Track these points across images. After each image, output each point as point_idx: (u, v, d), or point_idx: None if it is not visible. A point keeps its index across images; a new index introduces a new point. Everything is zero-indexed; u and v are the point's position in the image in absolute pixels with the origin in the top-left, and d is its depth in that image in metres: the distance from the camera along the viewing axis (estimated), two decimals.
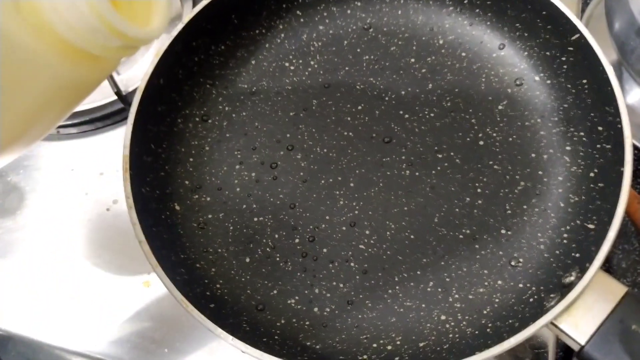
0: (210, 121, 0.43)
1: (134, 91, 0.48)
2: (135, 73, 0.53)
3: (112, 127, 0.50)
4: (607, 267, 0.54)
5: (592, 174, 0.36)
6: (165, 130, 0.41)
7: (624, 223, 0.54)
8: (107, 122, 0.49)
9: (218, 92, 0.44)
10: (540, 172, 0.39)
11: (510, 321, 0.33)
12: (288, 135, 0.42)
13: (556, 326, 0.30)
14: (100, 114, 0.49)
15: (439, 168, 0.40)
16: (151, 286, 0.43)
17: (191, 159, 0.42)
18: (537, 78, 0.42)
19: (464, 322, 0.35)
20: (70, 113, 0.26)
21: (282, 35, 0.46)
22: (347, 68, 0.45)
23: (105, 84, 0.50)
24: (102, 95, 0.51)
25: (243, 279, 0.38)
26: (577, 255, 0.33)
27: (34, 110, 0.23)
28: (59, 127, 0.49)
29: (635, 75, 0.52)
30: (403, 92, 0.43)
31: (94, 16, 0.20)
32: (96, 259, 0.44)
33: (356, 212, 0.39)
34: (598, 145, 0.36)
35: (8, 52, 0.19)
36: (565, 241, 0.35)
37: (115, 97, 0.49)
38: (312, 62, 0.45)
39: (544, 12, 0.39)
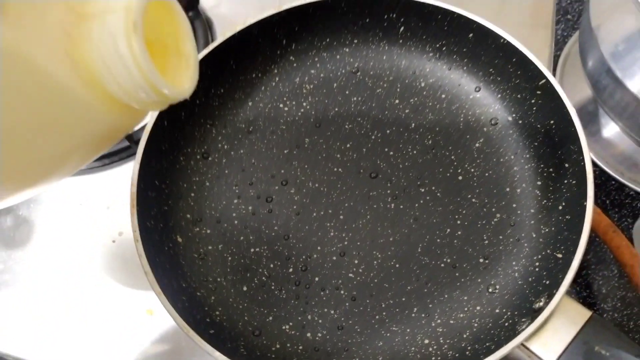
0: (210, 158, 0.47)
1: (139, 130, 0.52)
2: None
3: (117, 163, 0.53)
4: (588, 292, 0.57)
5: (560, 207, 0.40)
6: (168, 167, 0.44)
7: (604, 251, 0.58)
8: (113, 159, 0.53)
9: (217, 132, 0.48)
10: (514, 205, 0.42)
11: (487, 344, 0.36)
12: (282, 171, 0.46)
13: (527, 348, 0.33)
14: (107, 151, 0.52)
15: (421, 201, 0.43)
16: (154, 314, 0.45)
17: (192, 194, 0.45)
18: (510, 118, 0.45)
19: (446, 346, 0.37)
20: (97, 156, 0.29)
21: (277, 78, 0.50)
22: (336, 109, 0.48)
23: None
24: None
25: (240, 306, 0.40)
26: (547, 282, 0.36)
27: (69, 150, 0.26)
28: None
29: (609, 110, 0.57)
30: (388, 131, 0.47)
31: (140, 76, 0.23)
32: (102, 287, 0.47)
33: (345, 242, 0.42)
34: (565, 181, 0.40)
35: (57, 97, 0.22)
36: (537, 269, 0.39)
37: None
38: (304, 103, 0.49)
39: (514, 59, 0.43)
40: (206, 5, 0.62)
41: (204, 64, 0.44)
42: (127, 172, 0.52)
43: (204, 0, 0.61)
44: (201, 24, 0.60)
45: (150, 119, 0.42)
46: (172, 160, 0.45)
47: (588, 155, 0.37)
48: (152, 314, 0.45)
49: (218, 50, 0.45)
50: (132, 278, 0.47)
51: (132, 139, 0.52)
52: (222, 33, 0.46)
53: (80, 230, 0.50)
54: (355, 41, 0.50)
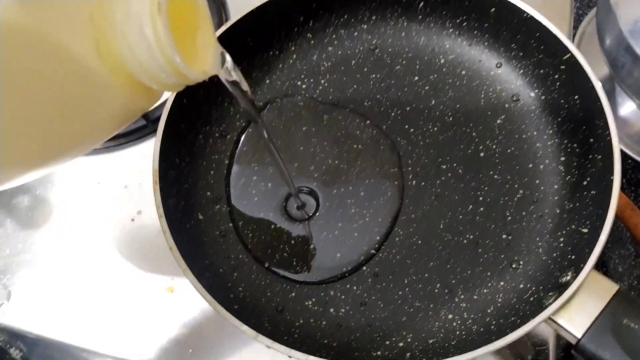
0: (228, 137, 0.47)
1: (156, 109, 0.51)
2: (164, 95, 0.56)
3: (134, 142, 0.53)
4: (605, 271, 0.57)
5: (585, 182, 0.39)
6: (187, 145, 0.44)
7: (620, 229, 0.58)
8: (130, 138, 0.52)
9: (235, 110, 0.47)
10: (537, 181, 0.42)
11: (512, 319, 0.36)
12: (301, 148, 0.46)
13: (554, 321, 0.32)
14: (124, 130, 0.52)
15: (443, 178, 0.43)
16: (175, 292, 0.45)
17: (212, 172, 0.45)
18: (532, 94, 0.45)
19: (470, 320, 0.37)
20: (113, 135, 0.29)
21: (294, 56, 0.49)
22: (355, 86, 0.48)
23: None
24: None
25: (263, 283, 0.40)
26: (573, 257, 0.36)
27: (87, 128, 0.26)
28: None
29: (627, 88, 0.56)
30: (408, 108, 0.46)
31: (163, 58, 0.23)
32: (122, 266, 0.47)
33: (367, 219, 0.42)
34: (590, 156, 0.39)
35: (80, 77, 0.22)
36: (561, 245, 0.38)
37: None
38: (322, 81, 0.49)
39: (537, 34, 0.43)
40: None
41: (220, 41, 0.44)
42: (143, 152, 0.52)
43: None
44: (214, 2, 0.59)
45: (169, 97, 0.42)
46: (191, 138, 0.45)
47: (615, 130, 0.36)
48: (172, 292, 0.46)
49: (235, 27, 0.45)
50: (151, 256, 0.47)
51: (149, 117, 0.52)
52: (239, 10, 0.45)
53: (98, 210, 0.49)
54: (374, 18, 0.49)
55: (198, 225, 0.42)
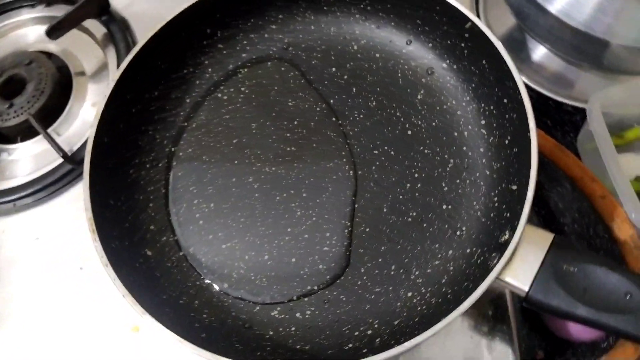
0: (160, 165, 0.46)
1: (79, 150, 0.50)
2: (75, 131, 0.54)
3: (65, 188, 0.51)
4: (546, 210, 0.60)
5: (506, 142, 0.41)
6: (119, 183, 0.43)
7: (554, 169, 0.61)
8: (58, 185, 0.51)
9: (161, 136, 0.47)
10: (464, 148, 0.44)
11: (465, 284, 0.38)
12: (236, 161, 0.46)
13: (502, 280, 0.35)
14: (51, 179, 0.50)
15: (377, 163, 0.44)
16: (140, 330, 0.45)
17: (151, 204, 0.44)
18: (444, 65, 0.46)
19: (428, 294, 0.39)
20: None
21: (209, 69, 0.49)
22: (276, 87, 0.48)
23: (48, 149, 0.52)
24: (48, 161, 0.52)
25: (226, 304, 0.41)
26: (508, 214, 0.38)
27: None
28: (15, 200, 0.50)
29: (535, 36, 0.59)
30: (331, 101, 0.47)
31: None
32: (81, 315, 0.46)
33: (314, 218, 0.43)
34: (507, 116, 0.41)
35: None
36: (496, 204, 0.41)
37: (61, 160, 0.51)
38: (242, 88, 0.49)
39: (437, 7, 0.44)
40: (118, 6, 0.59)
41: (131, 69, 0.43)
42: (75, 197, 0.51)
43: (114, 2, 0.58)
44: (118, 28, 0.57)
45: (89, 137, 0.40)
46: (121, 175, 0.44)
47: (524, 90, 0.38)
48: (138, 331, 0.45)
49: (143, 53, 0.44)
50: (109, 300, 0.46)
51: (74, 159, 0.51)
52: (144, 34, 0.44)
53: (44, 265, 0.48)
54: (281, 17, 0.49)
55: (148, 261, 0.41)
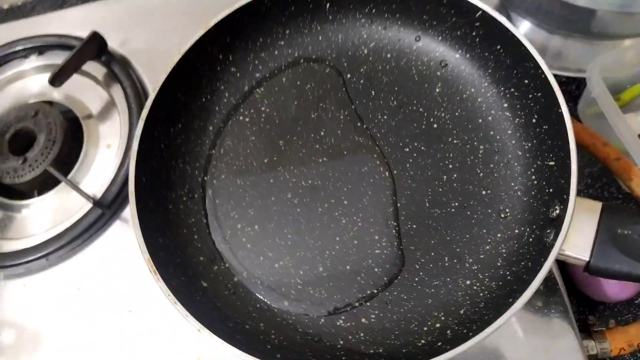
0: (196, 196, 0.46)
1: (106, 193, 0.49)
2: (95, 175, 0.54)
3: (97, 234, 0.50)
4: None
5: (534, 120, 0.43)
6: (162, 220, 0.43)
7: None
8: (91, 232, 0.50)
9: (192, 167, 0.47)
10: (492, 133, 0.45)
11: (522, 263, 0.39)
12: (271, 180, 0.46)
13: (562, 253, 0.36)
14: (81, 227, 0.50)
15: (410, 160, 0.45)
16: None
17: (196, 237, 0.44)
18: (457, 56, 0.48)
19: (487, 279, 0.40)
20: None
21: (226, 94, 0.49)
22: (295, 102, 0.49)
23: (69, 198, 0.51)
24: (72, 210, 0.52)
25: (290, 321, 0.41)
26: (551, 190, 0.40)
27: None
28: (47, 254, 0.49)
29: (520, 11, 0.60)
30: (353, 107, 0.48)
31: None
32: (137, 355, 0.45)
33: (360, 224, 0.43)
34: (530, 95, 0.43)
35: None
36: (535, 182, 0.42)
37: (88, 207, 0.50)
38: (262, 108, 0.49)
39: (444, 1, 0.45)
40: (115, 44, 0.59)
41: (156, 107, 0.43)
42: (108, 241, 0.50)
43: (110, 42, 0.58)
44: (120, 66, 0.57)
45: (129, 182, 0.40)
46: (162, 212, 0.44)
47: (546, 68, 0.39)
48: None
49: (165, 87, 0.44)
50: (164, 337, 0.46)
51: (102, 204, 0.50)
52: (163, 69, 0.44)
53: (91, 314, 0.47)
54: (288, 32, 0.50)
55: (205, 293, 0.41)
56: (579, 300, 0.53)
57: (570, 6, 0.56)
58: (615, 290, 0.50)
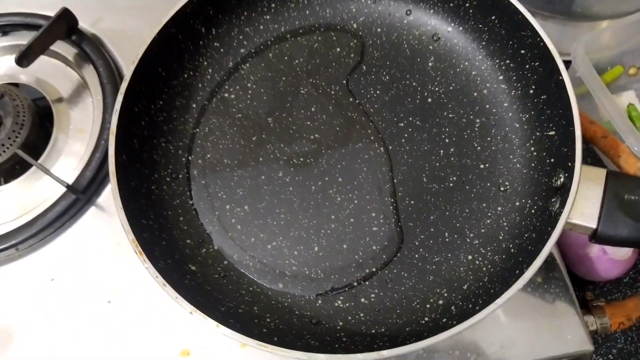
0: (180, 176, 0.43)
1: (79, 178, 0.46)
2: (66, 160, 0.51)
3: (71, 221, 0.47)
4: None
5: (531, 91, 0.42)
6: (145, 202, 0.40)
7: None
8: (64, 219, 0.47)
9: (175, 146, 0.44)
10: (487, 106, 0.44)
11: (526, 235, 0.38)
12: (260, 159, 0.44)
13: (569, 222, 0.35)
14: (54, 214, 0.46)
15: (406, 135, 0.44)
16: (191, 354, 0.42)
17: (181, 218, 0.41)
18: (449, 29, 0.46)
19: (489, 253, 0.39)
20: None
21: (210, 70, 0.47)
22: (283, 78, 0.46)
23: (39, 185, 0.48)
24: (43, 197, 0.48)
25: (286, 304, 0.39)
26: (552, 160, 0.39)
27: None
28: (17, 244, 0.45)
29: None
30: (344, 81, 0.46)
31: None
32: (120, 350, 0.42)
33: (355, 201, 0.42)
34: (527, 66, 0.42)
35: None
36: (534, 153, 0.41)
37: (60, 193, 0.47)
38: (248, 84, 0.47)
39: None
40: (86, 24, 0.56)
41: (135, 82, 0.41)
42: (84, 228, 0.47)
43: (82, 21, 0.55)
44: (92, 45, 0.54)
45: (110, 160, 0.37)
46: (145, 193, 0.41)
47: (545, 35, 0.39)
48: (189, 355, 0.42)
49: (144, 61, 0.41)
50: (149, 326, 0.43)
51: (76, 189, 0.47)
52: (142, 43, 0.41)
53: (67, 306, 0.44)
54: (273, 5, 0.48)
55: (195, 276, 0.39)
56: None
57: None
58: (606, 267, 0.50)
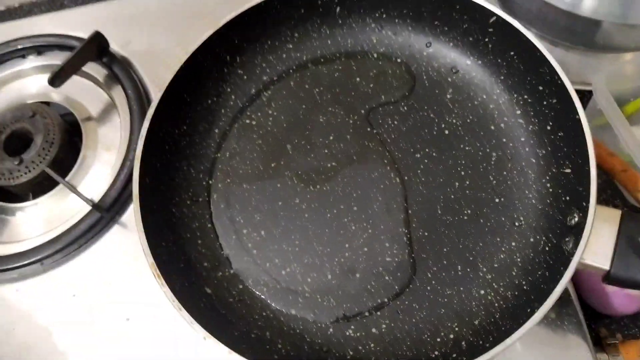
0: (200, 200, 0.44)
1: (104, 197, 0.48)
2: (93, 178, 0.52)
3: (94, 239, 0.49)
4: None
5: (548, 127, 0.42)
6: (165, 224, 0.42)
7: None
8: (88, 237, 0.48)
9: (196, 170, 0.45)
10: (504, 140, 0.44)
11: (539, 272, 0.38)
12: (278, 185, 0.45)
13: (581, 262, 0.35)
14: (78, 231, 0.48)
15: (422, 166, 0.44)
16: None
17: (199, 241, 0.43)
18: (468, 62, 0.47)
19: (502, 289, 0.39)
20: None
21: (233, 96, 0.48)
22: (304, 105, 0.48)
23: (66, 202, 0.50)
24: (69, 214, 0.50)
25: (298, 330, 0.39)
26: (567, 197, 0.39)
27: None
28: (42, 259, 0.47)
29: (524, 22, 0.60)
30: (362, 111, 0.47)
31: None
32: None
33: (370, 231, 0.42)
34: (544, 102, 0.42)
35: None
36: (550, 189, 0.41)
37: (86, 211, 0.49)
38: (269, 111, 0.48)
39: (457, 6, 0.45)
40: (117, 46, 0.58)
41: (161, 106, 0.42)
42: (106, 246, 0.48)
43: (113, 43, 0.57)
44: (122, 67, 0.56)
45: (133, 182, 0.39)
46: (166, 216, 0.42)
47: (563, 74, 0.39)
48: None
49: (171, 87, 0.43)
50: (164, 346, 0.44)
51: (101, 207, 0.48)
52: (169, 70, 0.43)
53: (86, 322, 0.45)
54: (297, 35, 0.49)
55: (210, 300, 0.40)
56: (585, 313, 0.53)
57: (576, 17, 0.55)
58: (623, 303, 0.49)
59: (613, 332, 0.52)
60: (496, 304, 0.38)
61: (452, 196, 0.43)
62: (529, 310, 0.34)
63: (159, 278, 0.35)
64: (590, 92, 0.53)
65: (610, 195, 0.59)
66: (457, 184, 0.43)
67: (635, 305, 0.49)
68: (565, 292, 0.44)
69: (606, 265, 0.34)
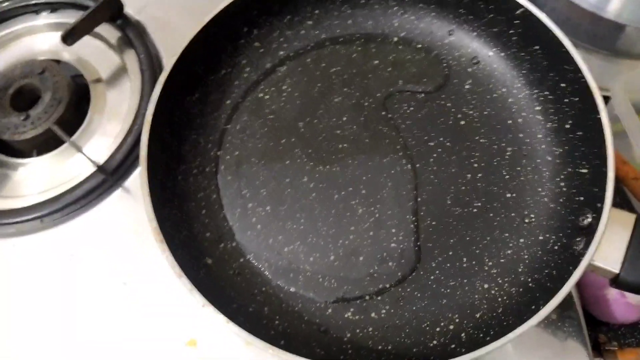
0: (207, 170, 0.44)
1: (109, 160, 0.47)
2: (98, 141, 0.52)
3: (96, 201, 0.48)
4: None
5: (567, 126, 0.41)
6: (170, 192, 0.41)
7: None
8: (90, 198, 0.48)
9: (205, 141, 0.45)
10: (521, 135, 0.43)
11: (546, 271, 0.37)
12: (287, 162, 0.44)
13: (591, 264, 0.34)
14: (81, 191, 0.47)
15: (434, 155, 0.43)
16: (198, 344, 0.42)
17: (204, 211, 0.42)
18: (490, 54, 0.46)
19: (506, 284, 0.38)
20: None
21: (247, 69, 0.47)
22: (319, 84, 0.47)
23: (70, 161, 0.49)
24: (72, 174, 0.49)
25: (297, 308, 0.39)
26: (581, 198, 0.38)
27: None
28: (42, 216, 0.47)
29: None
30: (378, 94, 0.46)
31: None
32: (129, 333, 0.43)
33: (377, 215, 0.42)
34: (565, 100, 0.41)
35: None
36: (564, 189, 0.40)
37: (90, 171, 0.48)
38: (283, 87, 0.47)
39: None
40: (132, 10, 0.57)
41: (174, 73, 0.41)
42: (108, 209, 0.48)
43: (128, 6, 0.56)
44: (135, 31, 0.55)
45: (141, 146, 0.38)
46: (171, 183, 0.42)
47: (588, 73, 0.38)
48: (195, 345, 0.42)
49: (184, 55, 0.42)
50: (158, 314, 0.43)
51: (105, 170, 0.48)
52: (183, 37, 0.42)
53: (82, 283, 0.45)
54: (317, 12, 0.48)
55: (210, 270, 0.39)
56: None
57: (600, 19, 0.55)
58: (623, 311, 0.49)
59: (610, 341, 0.51)
60: (499, 299, 0.38)
61: (463, 188, 0.42)
62: (532, 307, 0.33)
63: (161, 243, 0.35)
64: (608, 98, 0.52)
65: (617, 203, 0.59)
66: (469, 175, 0.42)
67: (635, 315, 0.49)
68: (569, 295, 0.43)
69: (616, 269, 0.34)
